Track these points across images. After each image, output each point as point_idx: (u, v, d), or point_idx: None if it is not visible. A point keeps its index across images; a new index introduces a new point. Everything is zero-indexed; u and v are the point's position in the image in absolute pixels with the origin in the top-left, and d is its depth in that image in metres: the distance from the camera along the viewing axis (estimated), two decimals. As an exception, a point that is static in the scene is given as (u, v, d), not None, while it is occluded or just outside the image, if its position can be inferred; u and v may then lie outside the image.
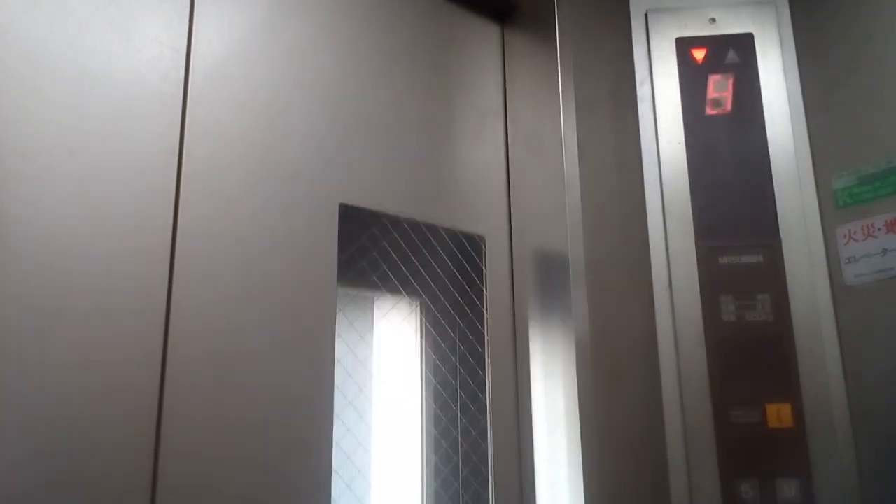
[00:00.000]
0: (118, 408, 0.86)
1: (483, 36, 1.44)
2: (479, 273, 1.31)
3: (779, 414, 1.25)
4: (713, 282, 1.31)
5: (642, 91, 1.41)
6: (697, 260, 1.32)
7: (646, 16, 1.44)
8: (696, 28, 1.42)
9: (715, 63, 1.40)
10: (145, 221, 0.93)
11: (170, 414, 0.90)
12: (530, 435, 1.25)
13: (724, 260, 1.32)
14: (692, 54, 1.41)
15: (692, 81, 1.39)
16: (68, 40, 0.90)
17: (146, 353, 0.90)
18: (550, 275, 1.28)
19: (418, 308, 1.28)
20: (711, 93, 1.38)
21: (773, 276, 1.31)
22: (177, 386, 0.91)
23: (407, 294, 1.25)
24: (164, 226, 0.94)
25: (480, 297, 1.30)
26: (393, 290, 1.23)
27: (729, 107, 1.38)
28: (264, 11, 1.12)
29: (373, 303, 1.25)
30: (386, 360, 1.21)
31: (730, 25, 1.42)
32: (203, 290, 0.96)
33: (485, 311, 1.29)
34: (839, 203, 1.32)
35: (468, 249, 1.31)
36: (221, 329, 0.97)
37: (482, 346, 1.28)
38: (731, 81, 1.39)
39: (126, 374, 0.87)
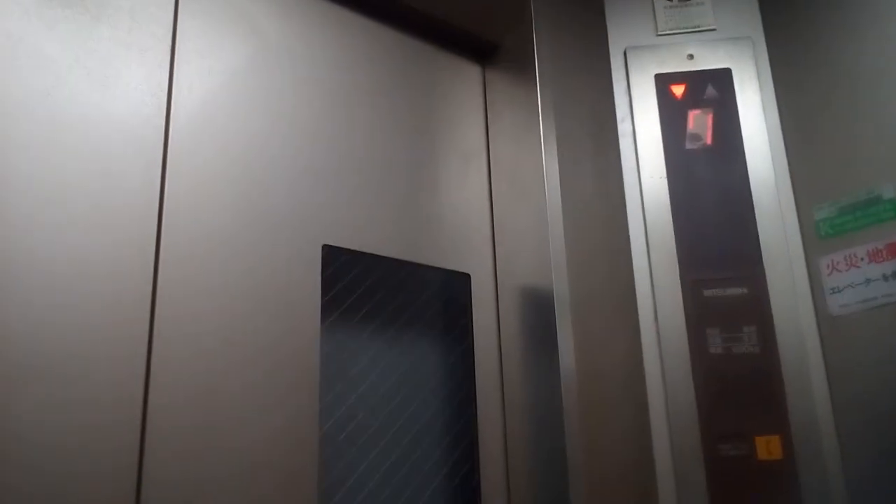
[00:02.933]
0: (97, 466, 0.85)
1: (464, 77, 1.46)
2: (466, 310, 1.32)
3: (768, 446, 1.25)
4: (699, 315, 1.32)
5: (623, 127, 1.42)
6: (682, 293, 1.33)
7: (625, 53, 1.46)
8: (675, 64, 1.44)
9: (694, 98, 1.42)
10: (126, 268, 0.92)
11: (150, 476, 0.89)
12: (519, 471, 1.25)
13: (709, 292, 1.33)
14: (671, 90, 1.43)
15: (672, 117, 1.41)
16: (47, 90, 0.91)
17: (126, 406, 0.89)
18: (536, 310, 1.28)
19: (405, 345, 1.28)
20: (691, 127, 1.40)
21: (758, 307, 1.31)
22: (158, 439, 0.90)
23: (394, 332, 1.25)
24: (145, 272, 0.94)
25: (467, 333, 1.30)
26: (379, 329, 1.23)
27: (709, 141, 1.39)
28: (245, 56, 1.13)
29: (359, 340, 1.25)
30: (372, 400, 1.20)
31: (707, 61, 1.44)
32: (185, 334, 0.96)
33: (472, 348, 1.29)
34: (821, 234, 1.33)
35: (454, 287, 1.31)
36: (203, 374, 0.96)
37: (470, 383, 1.28)
38: (710, 116, 1.40)
39: (106, 429, 0.86)
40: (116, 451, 0.87)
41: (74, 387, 0.86)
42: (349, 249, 1.18)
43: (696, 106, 1.41)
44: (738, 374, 1.29)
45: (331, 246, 1.15)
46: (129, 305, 0.92)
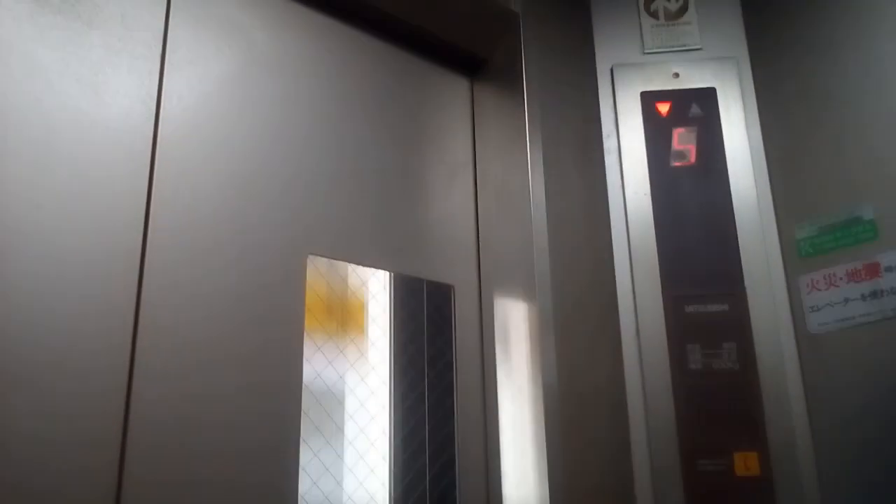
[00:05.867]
0: (79, 466, 0.86)
1: (453, 90, 1.47)
2: (448, 321, 1.32)
3: (746, 462, 1.26)
4: (680, 330, 1.33)
5: (608, 143, 1.44)
6: (664, 309, 1.34)
7: (611, 70, 1.48)
8: (661, 83, 1.46)
9: (679, 116, 1.43)
10: (111, 273, 0.93)
11: (130, 478, 0.89)
12: (499, 486, 1.25)
13: (690, 309, 1.34)
14: (657, 108, 1.44)
15: (657, 134, 1.43)
16: (37, 96, 0.92)
17: (109, 409, 0.89)
18: (519, 323, 1.29)
19: (388, 357, 1.28)
20: (676, 145, 1.42)
21: (738, 324, 1.32)
22: (139, 442, 0.91)
23: (376, 343, 1.25)
24: (130, 276, 0.95)
25: (449, 345, 1.31)
26: (362, 338, 1.24)
27: (693, 159, 1.41)
28: (235, 66, 1.14)
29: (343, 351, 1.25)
30: (355, 415, 1.20)
31: (693, 80, 1.45)
32: (169, 339, 0.96)
33: (454, 360, 1.30)
34: (801, 253, 1.34)
35: (437, 298, 1.32)
36: (186, 379, 0.96)
37: (451, 393, 1.28)
38: (694, 134, 1.42)
39: (88, 431, 0.87)
40: (97, 452, 0.88)
41: (57, 387, 0.86)
42: (335, 259, 1.18)
43: (680, 124, 1.43)
44: (717, 391, 1.30)
45: (317, 256, 1.16)
46: (114, 310, 0.93)
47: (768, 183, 1.40)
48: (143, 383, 0.93)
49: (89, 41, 0.98)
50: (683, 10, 1.52)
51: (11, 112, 0.90)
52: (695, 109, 1.44)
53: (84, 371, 0.88)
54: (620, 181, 1.41)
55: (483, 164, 1.44)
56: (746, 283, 1.34)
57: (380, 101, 1.33)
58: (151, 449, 0.92)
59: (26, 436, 0.83)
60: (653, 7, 1.53)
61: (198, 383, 0.98)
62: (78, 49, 0.97)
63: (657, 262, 1.36)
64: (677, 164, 1.41)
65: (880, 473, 1.19)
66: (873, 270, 1.26)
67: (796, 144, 1.38)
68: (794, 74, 1.41)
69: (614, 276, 1.37)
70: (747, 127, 1.42)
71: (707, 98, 1.44)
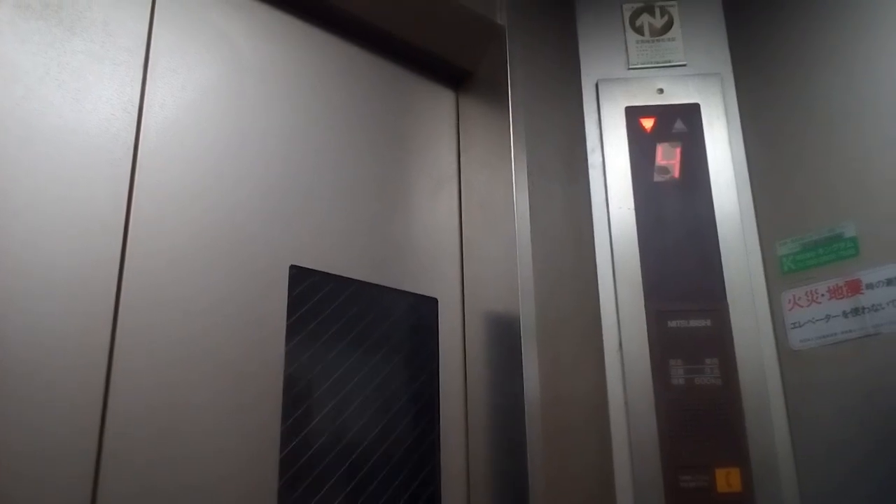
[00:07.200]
0: (53, 473, 0.84)
1: (438, 102, 1.47)
2: (432, 334, 1.31)
3: (728, 479, 1.26)
4: (663, 345, 1.33)
5: (593, 158, 1.44)
6: (647, 323, 1.34)
7: (596, 85, 1.49)
8: (645, 98, 1.47)
9: (663, 132, 1.44)
10: (89, 282, 0.91)
11: (105, 486, 0.88)
12: (480, 496, 1.24)
13: (673, 324, 1.34)
14: (641, 123, 1.45)
15: (641, 149, 1.43)
16: (16, 102, 0.90)
17: (84, 421, 0.88)
18: (502, 336, 1.28)
19: (371, 368, 1.27)
20: (660, 160, 1.42)
21: (720, 340, 1.33)
22: (115, 449, 0.89)
23: (360, 354, 1.24)
24: (108, 286, 0.93)
25: (433, 358, 1.30)
26: (345, 352, 1.23)
27: (677, 174, 1.41)
28: (219, 74, 1.13)
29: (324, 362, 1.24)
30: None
31: (677, 96, 1.46)
32: (146, 346, 0.95)
33: (438, 373, 1.29)
34: (784, 269, 1.35)
35: (421, 311, 1.31)
36: (163, 386, 0.95)
37: (435, 407, 1.27)
38: (678, 150, 1.43)
39: (63, 437, 0.85)
40: (73, 458, 0.86)
41: (33, 393, 0.85)
42: (317, 270, 1.17)
43: (664, 139, 1.44)
44: (699, 406, 1.30)
45: (298, 266, 1.15)
46: (92, 319, 0.91)
47: (751, 199, 1.41)
48: (119, 393, 0.91)
49: (71, 47, 0.97)
50: (668, 26, 1.53)
51: (-10, 117, 0.88)
52: (679, 125, 1.44)
53: (59, 381, 0.87)
54: (604, 195, 1.42)
55: (467, 177, 1.44)
56: (729, 298, 1.34)
57: (365, 112, 1.33)
58: (127, 461, 0.90)
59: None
60: (638, 23, 1.53)
61: (176, 394, 0.96)
62: (59, 55, 0.96)
63: (640, 277, 1.37)
64: (661, 179, 1.41)
65: (862, 489, 1.19)
66: (854, 287, 1.26)
67: (779, 161, 1.39)
68: (778, 91, 1.42)
69: (597, 291, 1.37)
70: (731, 143, 1.43)
71: (691, 114, 1.45)
